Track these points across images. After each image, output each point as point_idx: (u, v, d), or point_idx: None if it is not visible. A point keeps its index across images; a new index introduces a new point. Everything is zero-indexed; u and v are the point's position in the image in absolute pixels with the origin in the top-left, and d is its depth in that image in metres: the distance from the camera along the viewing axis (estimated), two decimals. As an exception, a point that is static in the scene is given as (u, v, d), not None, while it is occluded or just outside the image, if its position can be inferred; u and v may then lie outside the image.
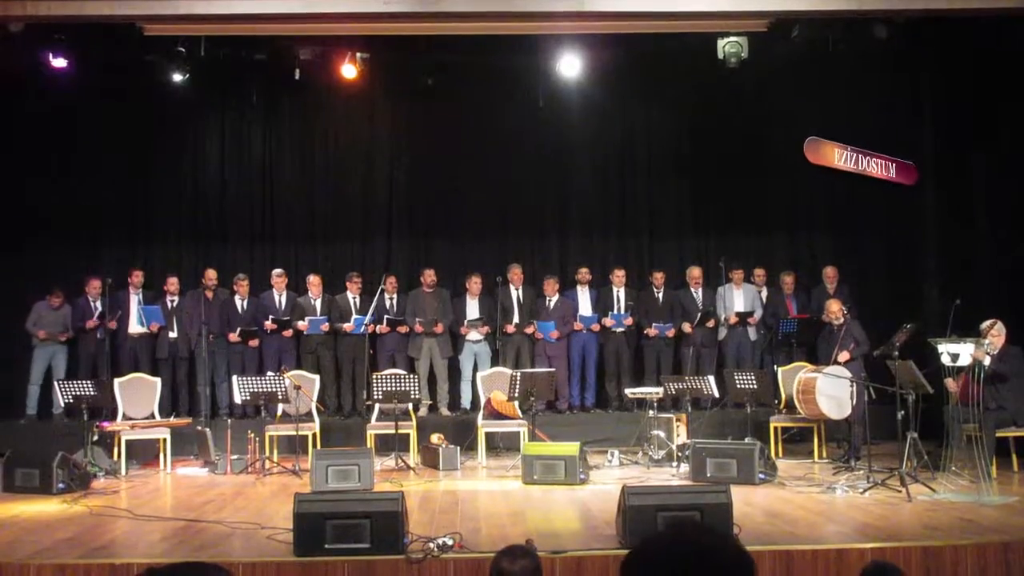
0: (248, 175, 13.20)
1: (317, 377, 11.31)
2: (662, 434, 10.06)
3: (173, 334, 11.89)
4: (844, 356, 9.86)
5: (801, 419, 10.28)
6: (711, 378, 10.51)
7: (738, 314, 12.13)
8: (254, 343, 11.89)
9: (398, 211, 13.28)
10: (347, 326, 11.86)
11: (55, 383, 10.92)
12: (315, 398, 10.92)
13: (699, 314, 12.11)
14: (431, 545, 5.88)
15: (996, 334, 8.73)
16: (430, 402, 12.01)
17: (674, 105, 13.21)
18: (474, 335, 12.04)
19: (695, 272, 12.47)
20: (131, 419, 10.68)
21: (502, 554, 4.01)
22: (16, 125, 12.05)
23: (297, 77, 11.86)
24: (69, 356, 11.91)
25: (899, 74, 12.13)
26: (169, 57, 11.26)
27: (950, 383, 8.77)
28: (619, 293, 12.37)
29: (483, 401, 10.85)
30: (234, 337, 11.80)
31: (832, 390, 9.59)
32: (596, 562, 5.76)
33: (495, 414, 10.62)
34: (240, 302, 12.05)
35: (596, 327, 12.19)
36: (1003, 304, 10.42)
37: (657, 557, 2.03)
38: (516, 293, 12.23)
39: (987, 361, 8.49)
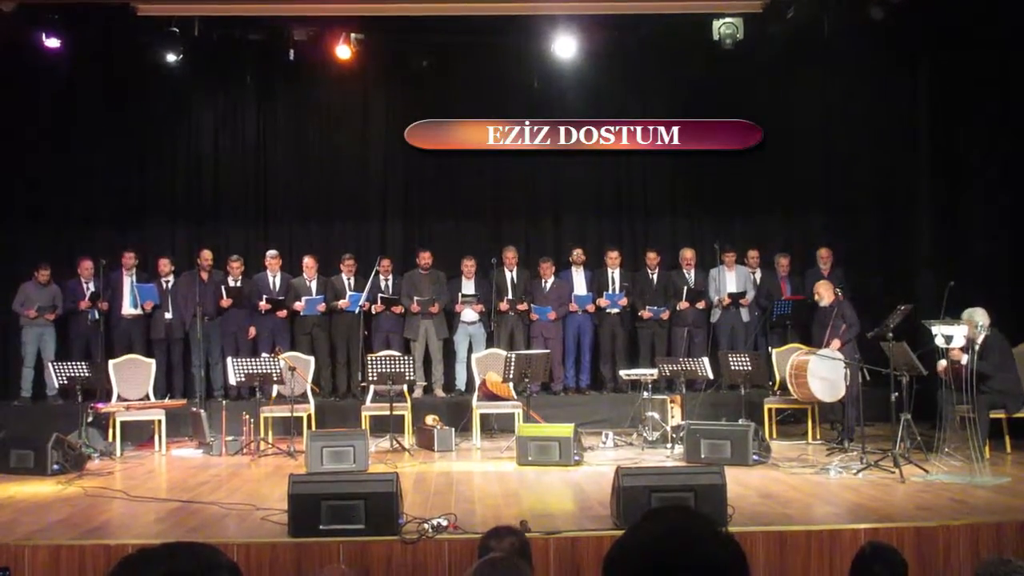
0: (242, 157, 13.14)
1: (312, 358, 11.29)
2: (656, 416, 10.08)
3: (168, 315, 11.87)
4: (835, 344, 9.85)
5: (795, 401, 10.31)
6: (705, 360, 10.51)
7: (730, 295, 12.13)
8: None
9: (393, 193, 13.26)
10: (342, 303, 11.86)
11: (48, 365, 10.92)
12: (310, 379, 10.92)
13: (685, 289, 12.12)
14: (426, 526, 5.88)
15: (968, 322, 8.58)
16: (425, 383, 12.02)
17: (669, 86, 13.20)
18: (469, 315, 12.03)
19: (687, 254, 12.48)
20: (126, 400, 10.68)
21: (489, 534, 4.06)
22: (8, 105, 11.97)
23: (291, 58, 11.82)
24: (58, 337, 11.85)
25: (895, 54, 12.10)
26: (163, 37, 11.21)
27: (941, 367, 8.74)
28: (614, 274, 12.36)
29: (478, 382, 10.86)
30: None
31: (825, 372, 9.62)
32: (590, 543, 5.77)
33: (490, 395, 10.62)
34: (234, 283, 12.01)
35: (591, 308, 12.20)
36: (997, 286, 10.45)
37: (641, 557, 1.99)
38: (510, 275, 12.22)
39: (964, 360, 8.47)
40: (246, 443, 9.88)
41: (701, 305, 12.16)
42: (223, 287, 11.85)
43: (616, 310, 12.21)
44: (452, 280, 12.33)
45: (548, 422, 10.03)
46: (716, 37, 10.66)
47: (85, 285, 11.87)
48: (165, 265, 12.07)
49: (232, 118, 13.18)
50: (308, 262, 12.16)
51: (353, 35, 11.65)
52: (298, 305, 11.88)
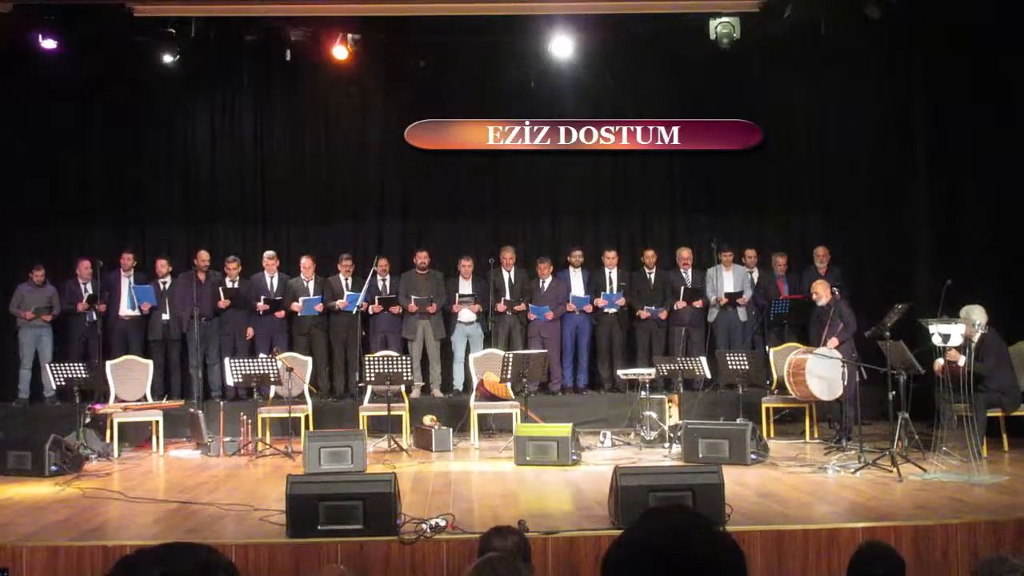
0: (240, 157, 13.12)
1: (310, 359, 11.29)
2: (654, 415, 10.09)
3: (165, 316, 11.86)
4: (833, 342, 9.84)
5: (793, 400, 10.30)
6: (703, 359, 10.51)
7: (728, 295, 12.13)
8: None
9: (390, 193, 13.25)
10: (340, 303, 11.85)
11: (46, 366, 10.90)
12: (308, 380, 10.91)
13: (683, 288, 12.14)
14: (424, 526, 5.88)
15: (965, 320, 8.60)
16: (423, 384, 12.02)
17: (669, 86, 13.20)
18: (466, 315, 12.03)
19: (684, 253, 12.49)
20: (123, 401, 10.67)
21: (490, 533, 4.07)
22: (3, 106, 11.95)
23: (288, 59, 11.81)
24: (56, 339, 11.83)
25: (892, 53, 12.10)
26: (159, 38, 11.20)
27: (938, 365, 8.75)
28: (611, 274, 12.36)
29: (476, 382, 10.86)
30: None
31: (823, 371, 9.62)
32: (588, 542, 5.77)
33: (488, 395, 10.62)
34: (231, 284, 12.00)
35: (589, 308, 12.20)
36: (993, 284, 10.45)
37: (640, 557, 1.99)
38: (508, 275, 12.22)
39: (961, 361, 8.49)
40: (244, 444, 9.88)
41: (698, 304, 12.17)
42: (221, 288, 11.85)
43: (614, 310, 12.21)
44: (450, 280, 12.33)
45: (546, 422, 10.01)
46: (712, 36, 10.66)
47: (83, 286, 11.86)
48: (163, 266, 12.07)
49: (229, 118, 13.16)
50: (306, 262, 12.15)
51: (350, 36, 11.64)
52: (296, 306, 11.88)
